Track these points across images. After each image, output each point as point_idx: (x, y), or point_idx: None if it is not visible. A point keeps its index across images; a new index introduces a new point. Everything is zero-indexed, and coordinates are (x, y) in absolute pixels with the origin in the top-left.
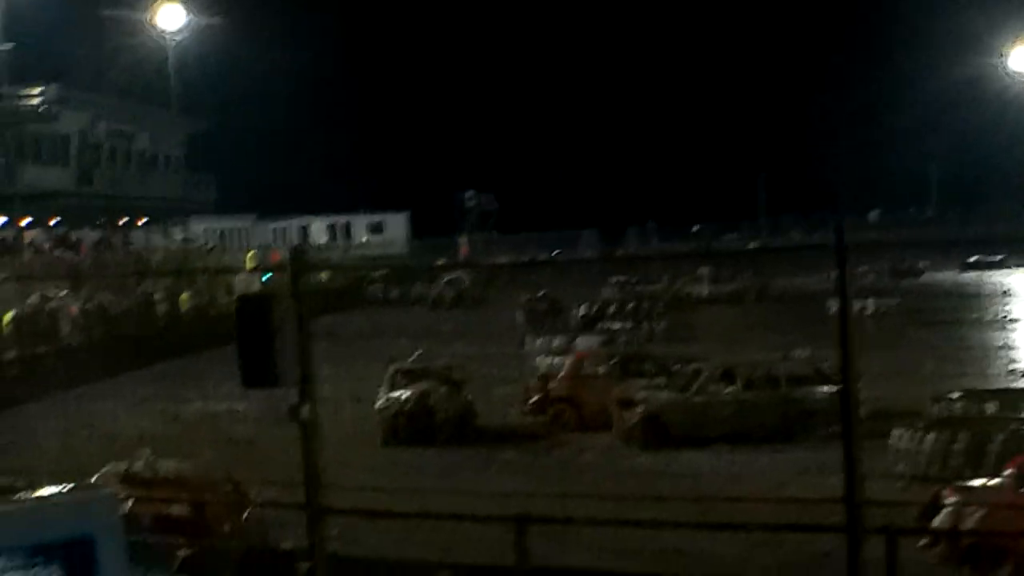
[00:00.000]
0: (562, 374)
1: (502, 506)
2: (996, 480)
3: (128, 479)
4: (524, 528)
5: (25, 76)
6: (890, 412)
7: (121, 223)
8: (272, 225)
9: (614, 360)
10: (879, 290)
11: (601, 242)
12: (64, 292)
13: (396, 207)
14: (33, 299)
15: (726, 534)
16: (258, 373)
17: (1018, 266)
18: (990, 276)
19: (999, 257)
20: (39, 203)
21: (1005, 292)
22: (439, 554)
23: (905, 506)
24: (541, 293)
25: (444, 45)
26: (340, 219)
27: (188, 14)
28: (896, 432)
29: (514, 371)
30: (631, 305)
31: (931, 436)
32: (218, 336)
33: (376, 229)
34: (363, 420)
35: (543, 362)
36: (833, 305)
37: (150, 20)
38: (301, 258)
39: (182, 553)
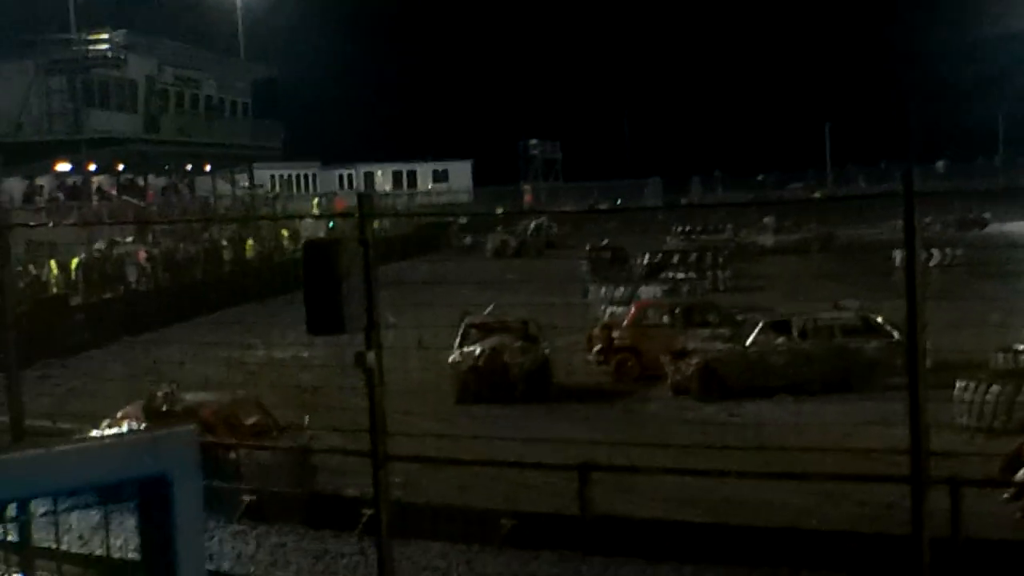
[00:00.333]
0: (625, 323)
1: (565, 456)
2: None
3: (150, 412)
4: (587, 477)
5: (93, 22)
6: (954, 364)
7: (187, 169)
8: (337, 172)
9: (677, 309)
10: (945, 241)
11: (665, 191)
12: (130, 238)
13: (460, 155)
14: (99, 245)
15: (791, 485)
16: (324, 320)
17: None
18: None
19: None
20: (106, 149)
21: None
22: (502, 503)
23: (969, 457)
24: (605, 242)
25: None
26: (405, 167)
27: None
28: (960, 383)
29: (578, 320)
30: (695, 255)
31: (995, 388)
32: (284, 283)
33: (440, 177)
34: (434, 371)
35: (606, 312)
36: (899, 255)
37: None
38: (368, 204)
39: (246, 499)
